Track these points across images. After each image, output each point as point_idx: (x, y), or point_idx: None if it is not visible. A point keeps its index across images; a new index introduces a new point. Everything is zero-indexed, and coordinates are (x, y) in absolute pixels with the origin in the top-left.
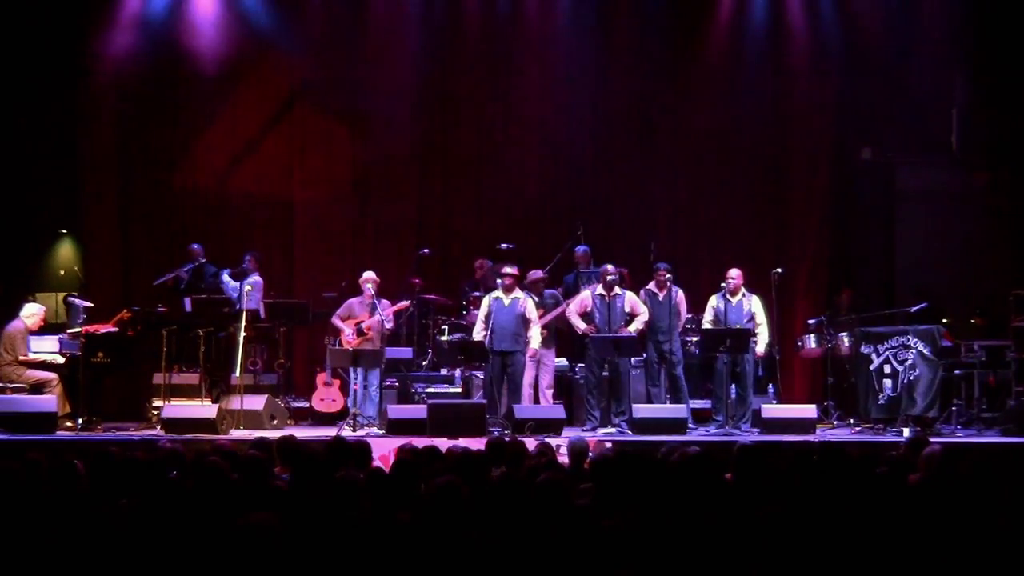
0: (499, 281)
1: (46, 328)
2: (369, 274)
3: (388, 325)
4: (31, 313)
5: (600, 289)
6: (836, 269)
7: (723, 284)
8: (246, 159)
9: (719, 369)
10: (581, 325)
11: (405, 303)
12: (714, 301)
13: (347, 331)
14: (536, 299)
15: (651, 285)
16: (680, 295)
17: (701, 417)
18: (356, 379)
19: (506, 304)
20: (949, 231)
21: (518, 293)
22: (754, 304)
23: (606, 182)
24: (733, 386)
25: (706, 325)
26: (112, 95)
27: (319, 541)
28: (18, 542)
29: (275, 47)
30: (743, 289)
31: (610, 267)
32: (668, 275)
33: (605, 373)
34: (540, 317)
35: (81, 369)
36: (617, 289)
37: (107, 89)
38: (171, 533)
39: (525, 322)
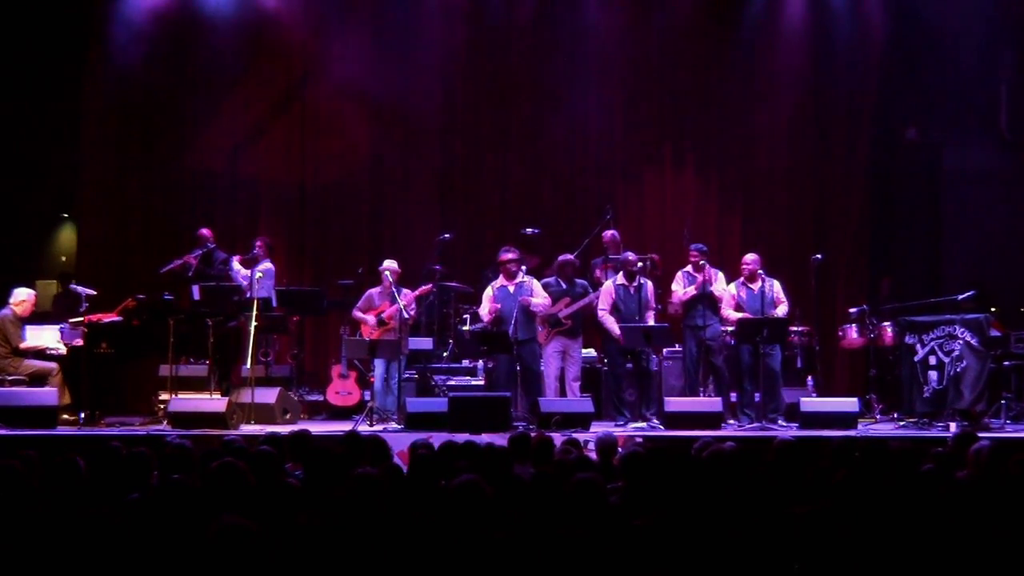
0: (516, 267)
1: (46, 317)
2: (389, 263)
3: (411, 313)
4: (20, 300)
5: (621, 279)
6: (879, 255)
7: (756, 273)
8: (256, 141)
9: (746, 361)
10: (616, 330)
11: (427, 287)
12: (733, 288)
13: (370, 321)
14: (565, 285)
15: (688, 268)
16: (719, 276)
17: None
18: (375, 371)
19: (511, 291)
20: (998, 215)
21: (522, 277)
22: (776, 288)
23: (636, 164)
24: (762, 379)
25: (727, 314)
26: (117, 74)
27: (332, 541)
28: (15, 543)
29: (287, 24)
30: (762, 274)
31: (631, 255)
32: (702, 257)
33: (629, 365)
34: (567, 306)
35: (84, 360)
36: (642, 278)
37: (112, 68)
38: (176, 534)
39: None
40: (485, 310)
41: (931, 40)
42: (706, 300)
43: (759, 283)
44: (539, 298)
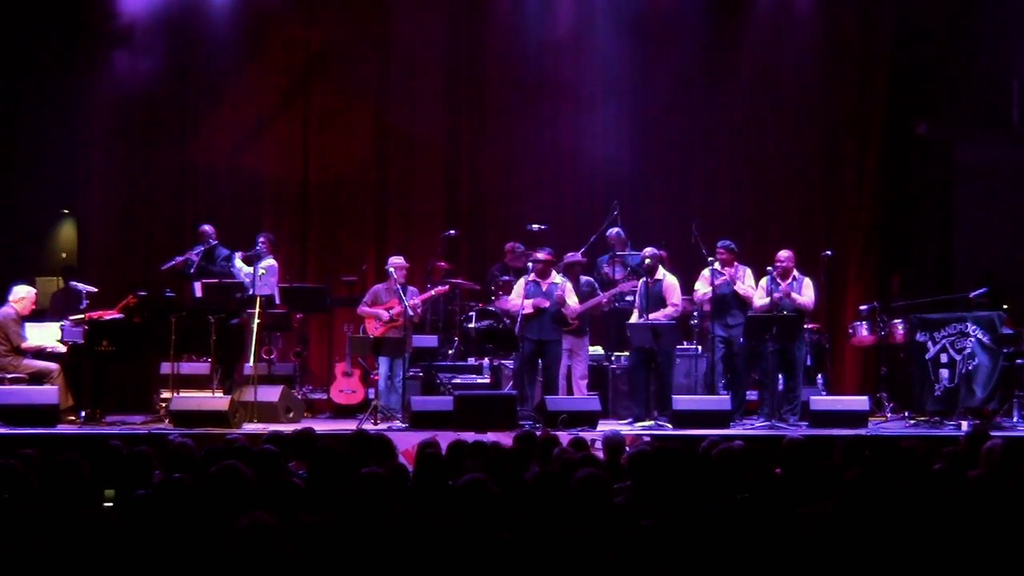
0: (530, 266)
1: (44, 315)
2: (396, 259)
3: (416, 312)
4: (20, 297)
5: (646, 276)
6: (889, 251)
7: (769, 268)
8: (259, 136)
9: (767, 357)
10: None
11: (443, 288)
12: (764, 282)
13: (383, 315)
14: (571, 285)
15: (716, 265)
16: (747, 272)
17: (749, 408)
18: (379, 369)
19: (543, 289)
20: (1010, 210)
21: (556, 278)
22: (804, 286)
23: (644, 159)
24: (781, 376)
25: (759, 305)
26: (118, 68)
27: (338, 542)
28: (14, 543)
29: (290, 19)
30: (795, 272)
31: (647, 251)
32: (728, 254)
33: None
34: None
35: (84, 358)
36: (660, 273)
37: (113, 63)
38: (179, 534)
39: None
40: (518, 301)
41: (942, 34)
42: (735, 299)
43: (790, 280)
44: (572, 300)
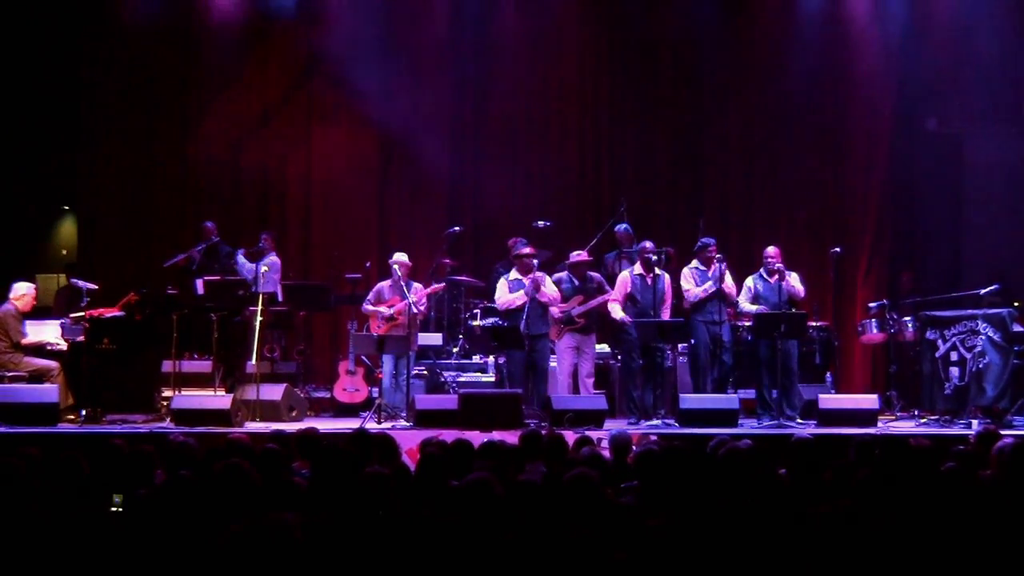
0: (534, 262)
1: (48, 312)
2: (399, 256)
3: (421, 308)
4: (21, 294)
5: (639, 269)
6: (899, 248)
7: (778, 264)
8: (261, 131)
9: (764, 356)
10: (618, 315)
11: (440, 285)
12: (750, 282)
13: (385, 312)
14: (578, 282)
15: (696, 262)
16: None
17: (746, 409)
18: (383, 367)
19: (525, 285)
20: (1021, 206)
21: (535, 272)
22: (792, 279)
23: (651, 154)
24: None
25: (744, 308)
26: (119, 64)
27: (341, 542)
28: (14, 543)
29: (293, 11)
30: (782, 268)
31: (648, 245)
32: (713, 250)
33: (640, 361)
34: (581, 304)
35: (85, 356)
36: (658, 270)
37: (114, 58)
38: (180, 534)
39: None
40: (506, 298)
41: (952, 28)
42: (720, 295)
43: (778, 276)
44: (549, 289)
